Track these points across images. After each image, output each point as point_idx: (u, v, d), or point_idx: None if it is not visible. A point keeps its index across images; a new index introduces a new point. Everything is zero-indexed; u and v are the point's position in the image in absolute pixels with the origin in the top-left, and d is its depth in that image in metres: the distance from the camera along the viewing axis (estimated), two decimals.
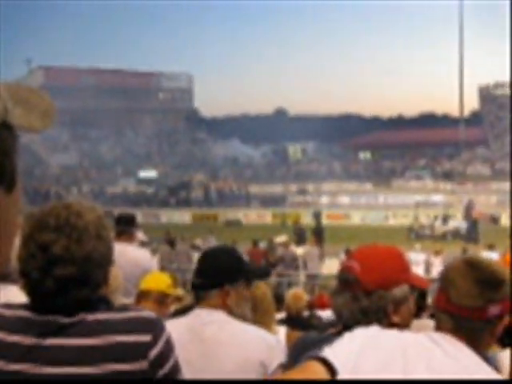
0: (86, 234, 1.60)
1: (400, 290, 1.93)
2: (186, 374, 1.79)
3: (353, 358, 1.49)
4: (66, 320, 1.57)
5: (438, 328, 1.68)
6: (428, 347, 1.56)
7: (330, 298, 1.96)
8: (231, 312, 2.37)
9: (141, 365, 1.57)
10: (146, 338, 1.60)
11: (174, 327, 2.36)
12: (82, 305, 1.59)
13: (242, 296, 2.43)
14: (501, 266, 1.74)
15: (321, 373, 1.46)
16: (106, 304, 1.67)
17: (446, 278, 1.68)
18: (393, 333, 1.62)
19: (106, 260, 1.66)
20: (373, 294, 1.90)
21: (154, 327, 1.63)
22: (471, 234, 24.93)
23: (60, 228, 1.58)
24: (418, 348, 1.55)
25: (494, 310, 1.64)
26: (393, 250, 2.05)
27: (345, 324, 1.90)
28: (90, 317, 1.59)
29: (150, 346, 1.59)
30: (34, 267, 1.55)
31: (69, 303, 1.57)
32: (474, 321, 1.63)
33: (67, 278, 1.56)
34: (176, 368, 1.69)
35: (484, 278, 1.63)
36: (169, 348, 1.66)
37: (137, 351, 1.58)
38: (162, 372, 1.62)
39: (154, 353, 1.59)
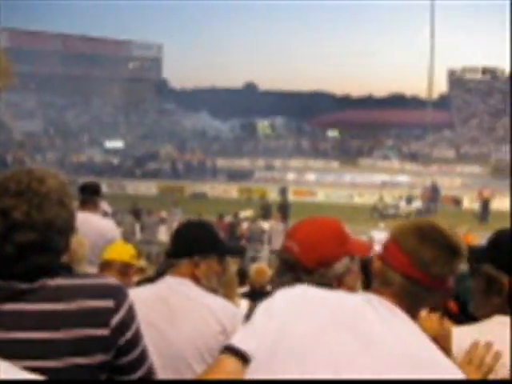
0: (48, 200, 1.57)
1: (341, 265, 1.92)
2: (148, 336, 1.79)
3: (271, 331, 1.47)
4: (25, 285, 1.55)
5: (382, 286, 1.62)
6: (362, 311, 1.52)
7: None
8: (199, 283, 2.41)
9: (102, 331, 1.57)
10: (108, 303, 1.59)
11: (142, 292, 2.40)
12: (42, 271, 1.57)
13: (214, 270, 2.48)
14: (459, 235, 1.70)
15: (232, 367, 1.45)
16: (68, 271, 1.64)
17: (411, 241, 1.60)
18: (321, 294, 1.58)
19: (68, 227, 1.63)
20: (314, 272, 1.88)
21: (117, 293, 1.63)
22: (433, 214, 25.36)
23: (21, 193, 1.54)
24: (350, 311, 1.52)
25: (450, 281, 1.61)
26: (331, 223, 2.02)
27: None
28: (51, 282, 1.57)
29: (112, 311, 1.59)
30: None
31: (29, 269, 1.55)
32: (430, 289, 1.59)
33: (28, 243, 1.53)
34: (137, 336, 1.68)
35: (452, 246, 1.60)
36: (131, 315, 1.65)
37: (99, 317, 1.57)
38: (123, 339, 1.62)
39: (116, 319, 1.59)
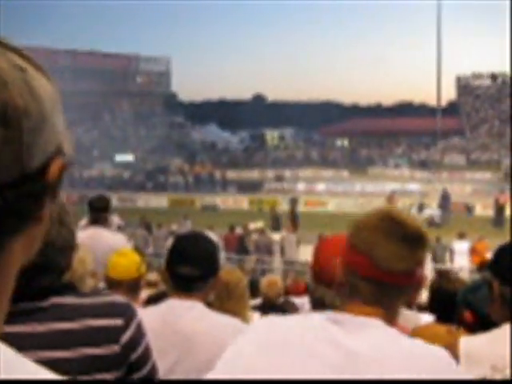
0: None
1: None
2: (161, 365, 1.78)
3: (244, 359, 1.38)
4: (34, 305, 1.55)
5: (350, 295, 1.42)
6: (328, 328, 1.36)
7: (332, 302, 1.82)
8: (206, 301, 2.37)
9: (112, 349, 1.58)
10: (117, 321, 1.60)
11: (148, 316, 2.34)
12: (46, 292, 1.57)
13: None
14: (419, 221, 1.50)
15: None
16: (73, 290, 1.65)
17: (365, 238, 1.39)
18: (289, 320, 1.45)
19: (69, 246, 1.65)
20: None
21: (125, 311, 1.64)
22: (445, 222, 25.25)
23: None
24: (317, 331, 1.36)
25: (419, 272, 1.42)
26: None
27: None
28: (61, 301, 1.58)
29: (121, 329, 1.60)
30: None
31: (32, 290, 1.55)
32: (400, 286, 1.40)
33: (29, 265, 1.51)
34: (148, 352, 1.70)
35: (411, 237, 1.38)
36: (140, 332, 1.67)
37: (109, 335, 1.58)
38: (134, 355, 1.63)
39: (125, 337, 1.61)
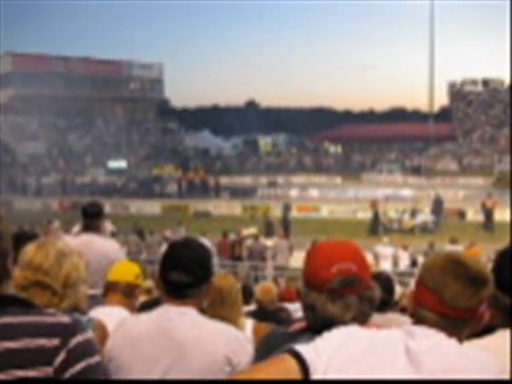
0: None
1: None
2: (154, 371, 1.75)
3: (326, 358, 1.50)
4: None
5: (417, 323, 1.68)
6: (403, 342, 1.58)
7: (323, 306, 1.85)
8: (201, 307, 2.36)
9: (45, 371, 1.50)
10: (52, 342, 1.52)
11: (141, 323, 2.33)
12: None
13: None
14: (482, 263, 1.74)
15: (292, 367, 1.47)
16: (17, 302, 1.59)
17: (434, 278, 1.66)
18: (370, 332, 1.63)
19: (0, 254, 1.58)
20: (372, 288, 1.91)
21: (63, 331, 1.55)
22: (438, 228, 25.30)
23: None
24: (392, 344, 1.57)
25: (483, 308, 1.66)
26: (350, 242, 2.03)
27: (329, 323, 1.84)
28: None
29: (55, 351, 1.52)
30: None
31: None
32: (463, 320, 1.65)
33: None
34: (87, 373, 1.56)
35: (474, 278, 1.63)
36: (80, 353, 1.56)
37: (42, 356, 1.51)
38: (67, 375, 1.53)
39: (59, 359, 1.52)
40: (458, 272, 1.63)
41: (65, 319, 1.59)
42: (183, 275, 2.28)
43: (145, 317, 2.38)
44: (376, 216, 25.62)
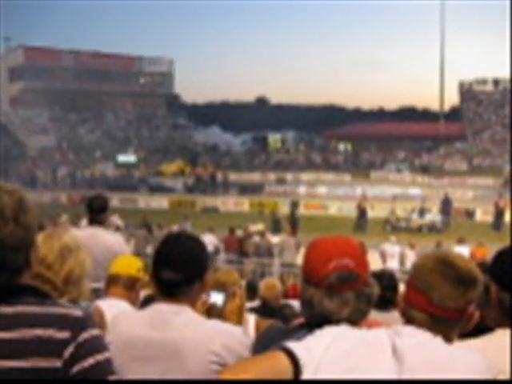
0: (1, 217, 1.51)
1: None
2: (149, 372, 1.71)
3: (316, 355, 1.52)
4: None
5: (408, 323, 1.72)
6: (391, 341, 1.60)
7: (320, 301, 1.84)
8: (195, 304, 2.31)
9: (54, 363, 1.49)
10: (63, 334, 1.51)
11: (135, 322, 2.27)
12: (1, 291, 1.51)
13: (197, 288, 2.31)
14: (472, 263, 1.75)
15: (284, 364, 1.48)
16: (33, 291, 1.59)
17: (423, 279, 1.69)
18: (359, 332, 1.66)
19: (26, 244, 1.57)
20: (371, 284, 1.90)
21: (74, 324, 1.54)
22: (446, 227, 25.21)
23: None
24: (380, 341, 1.60)
25: (471, 308, 1.69)
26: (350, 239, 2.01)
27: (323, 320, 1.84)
28: (8, 309, 1.51)
29: (65, 343, 1.51)
30: None
31: None
32: (452, 320, 1.68)
33: None
34: (96, 370, 1.56)
35: (463, 278, 1.66)
36: (89, 348, 1.55)
37: (51, 348, 1.50)
38: (74, 370, 1.52)
39: (68, 351, 1.51)
40: (447, 273, 1.67)
41: (77, 312, 1.58)
42: (174, 273, 2.20)
43: (138, 315, 2.34)
44: (363, 213, 26.27)
